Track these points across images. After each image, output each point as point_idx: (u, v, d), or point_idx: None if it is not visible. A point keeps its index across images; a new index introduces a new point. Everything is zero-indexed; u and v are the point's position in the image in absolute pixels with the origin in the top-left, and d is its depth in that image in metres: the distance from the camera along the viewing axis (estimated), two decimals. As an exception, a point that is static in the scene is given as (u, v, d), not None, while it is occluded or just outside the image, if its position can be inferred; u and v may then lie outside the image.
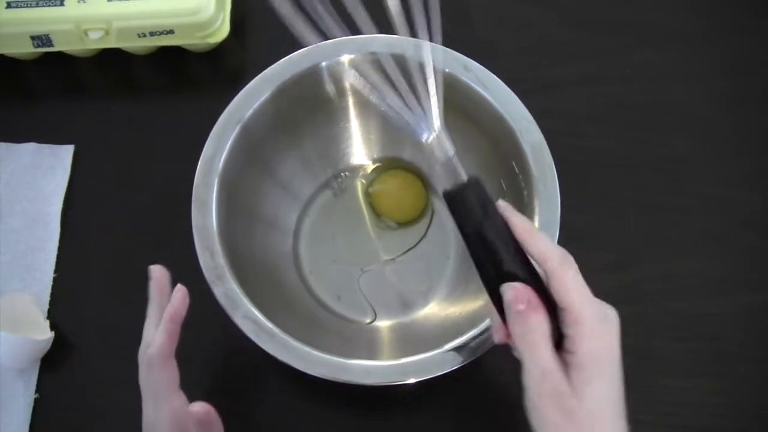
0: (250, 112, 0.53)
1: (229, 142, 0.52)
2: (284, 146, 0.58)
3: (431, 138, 0.43)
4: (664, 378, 0.53)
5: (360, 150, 0.62)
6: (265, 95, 0.54)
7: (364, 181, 0.62)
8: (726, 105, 0.66)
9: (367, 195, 0.62)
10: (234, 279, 0.49)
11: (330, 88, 0.56)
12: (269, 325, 0.47)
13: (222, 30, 0.64)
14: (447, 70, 0.50)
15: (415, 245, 0.60)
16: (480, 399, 0.56)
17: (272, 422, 0.55)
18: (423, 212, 0.61)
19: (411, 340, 0.56)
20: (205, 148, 0.52)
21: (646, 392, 0.53)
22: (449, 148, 0.43)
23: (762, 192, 0.63)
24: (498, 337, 0.41)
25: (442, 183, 0.42)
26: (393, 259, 0.60)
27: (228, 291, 0.48)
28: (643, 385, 0.54)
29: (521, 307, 0.37)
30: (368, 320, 0.58)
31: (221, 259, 0.49)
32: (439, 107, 0.44)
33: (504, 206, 0.39)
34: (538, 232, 0.39)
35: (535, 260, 0.39)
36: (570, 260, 0.38)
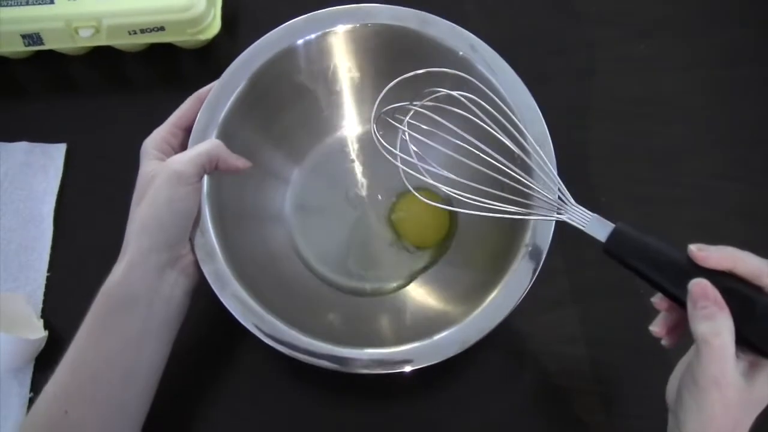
0: (227, 107, 0.53)
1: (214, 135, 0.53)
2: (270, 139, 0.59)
3: (565, 213, 0.44)
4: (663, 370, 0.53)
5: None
6: (243, 85, 0.54)
7: (380, 197, 0.60)
8: (718, 95, 0.66)
9: (389, 218, 0.59)
10: (225, 258, 0.48)
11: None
12: (257, 307, 0.47)
13: (213, 26, 0.64)
14: (452, 48, 0.49)
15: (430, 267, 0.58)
16: (476, 388, 0.56)
17: (266, 405, 0.55)
18: (445, 237, 0.59)
19: (412, 323, 0.56)
20: (190, 142, 0.53)
21: (645, 386, 0.53)
22: (587, 213, 0.43)
23: (753, 182, 0.63)
24: (660, 331, 0.44)
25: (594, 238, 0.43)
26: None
27: (218, 269, 0.48)
28: (643, 378, 0.54)
29: (707, 304, 0.38)
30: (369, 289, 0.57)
31: (212, 237, 0.49)
32: (557, 178, 0.44)
33: (696, 248, 0.40)
34: (740, 252, 0.40)
35: (749, 278, 0.39)
36: None
